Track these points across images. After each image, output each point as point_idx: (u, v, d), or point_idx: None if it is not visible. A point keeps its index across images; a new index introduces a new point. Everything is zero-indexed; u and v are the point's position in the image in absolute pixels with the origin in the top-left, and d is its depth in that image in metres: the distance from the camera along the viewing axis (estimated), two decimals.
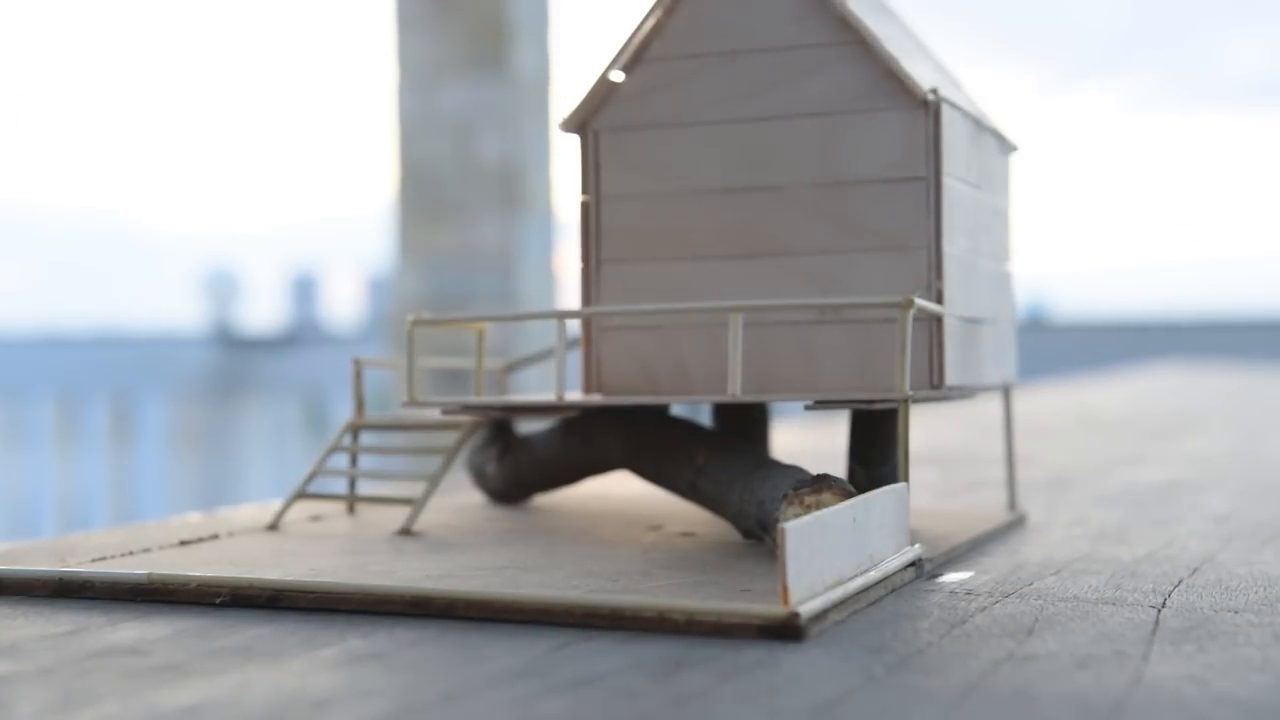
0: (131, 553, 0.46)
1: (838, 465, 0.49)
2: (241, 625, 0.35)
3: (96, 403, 4.24)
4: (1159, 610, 0.38)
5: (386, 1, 2.67)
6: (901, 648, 0.33)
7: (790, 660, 0.32)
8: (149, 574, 0.38)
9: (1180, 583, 0.42)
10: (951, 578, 0.43)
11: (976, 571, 0.44)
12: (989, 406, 1.25)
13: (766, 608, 0.34)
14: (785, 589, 0.34)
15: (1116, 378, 2.31)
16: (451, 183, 2.66)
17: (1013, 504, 0.57)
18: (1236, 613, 0.37)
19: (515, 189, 2.63)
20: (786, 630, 0.33)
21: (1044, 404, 1.56)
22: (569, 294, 2.72)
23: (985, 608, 0.38)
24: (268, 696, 0.29)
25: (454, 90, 2.62)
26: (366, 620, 0.36)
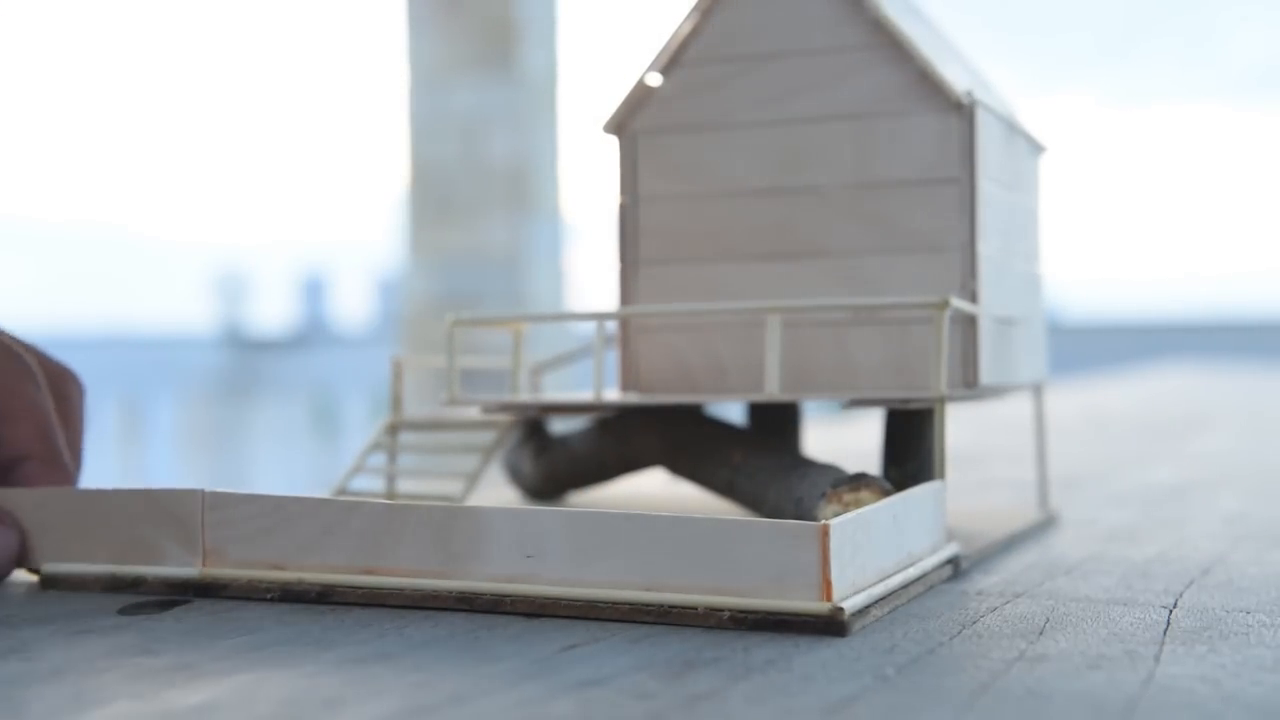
0: None
1: (869, 464, 0.49)
2: (252, 625, 0.36)
3: (108, 403, 4.25)
4: (1170, 610, 0.38)
5: (396, 4, 2.67)
6: (912, 648, 0.33)
7: (801, 660, 0.32)
8: (201, 570, 0.39)
9: (1192, 583, 0.42)
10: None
11: (987, 571, 0.44)
12: (997, 406, 1.25)
13: (810, 603, 0.34)
14: (829, 584, 0.34)
15: (1126, 378, 2.31)
16: (460, 183, 2.66)
17: (1044, 502, 0.57)
18: (1248, 613, 0.37)
19: (524, 189, 2.63)
20: (830, 625, 0.34)
21: (1054, 404, 1.56)
22: (577, 294, 2.73)
23: (996, 608, 0.38)
24: (278, 696, 0.29)
25: (463, 91, 2.62)
26: (376, 621, 0.36)
